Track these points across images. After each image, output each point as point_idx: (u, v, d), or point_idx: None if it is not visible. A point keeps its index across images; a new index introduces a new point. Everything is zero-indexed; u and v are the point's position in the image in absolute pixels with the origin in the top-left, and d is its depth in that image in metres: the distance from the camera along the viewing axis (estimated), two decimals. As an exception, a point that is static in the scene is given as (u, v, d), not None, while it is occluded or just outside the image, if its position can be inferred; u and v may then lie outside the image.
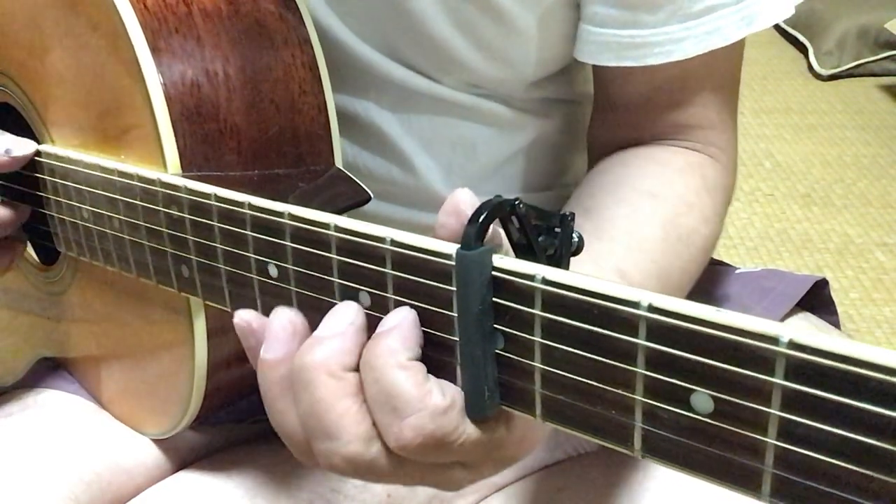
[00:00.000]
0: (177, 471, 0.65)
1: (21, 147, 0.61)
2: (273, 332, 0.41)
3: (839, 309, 0.74)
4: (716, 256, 0.71)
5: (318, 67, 0.58)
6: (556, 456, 0.66)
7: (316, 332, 0.40)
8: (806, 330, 0.28)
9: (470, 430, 0.38)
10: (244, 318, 0.43)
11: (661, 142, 0.65)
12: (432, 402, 0.37)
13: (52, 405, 0.67)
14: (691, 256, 0.60)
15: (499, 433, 0.39)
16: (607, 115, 0.68)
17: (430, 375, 0.38)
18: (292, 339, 0.40)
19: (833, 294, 0.73)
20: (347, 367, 0.39)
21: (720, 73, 0.64)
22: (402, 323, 0.38)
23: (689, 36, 0.59)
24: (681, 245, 0.59)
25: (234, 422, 0.67)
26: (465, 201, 0.38)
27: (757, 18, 0.59)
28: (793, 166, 2.36)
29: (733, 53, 0.61)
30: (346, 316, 0.40)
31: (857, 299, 1.79)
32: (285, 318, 0.41)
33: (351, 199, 0.56)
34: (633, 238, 0.58)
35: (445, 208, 0.39)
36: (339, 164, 0.59)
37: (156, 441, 0.64)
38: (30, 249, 0.71)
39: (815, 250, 1.96)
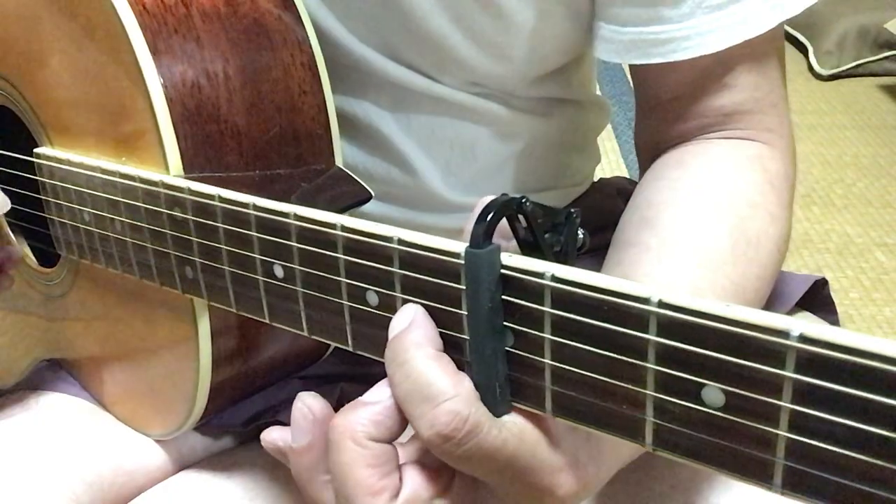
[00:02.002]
0: (178, 472, 0.65)
1: None
2: (295, 420, 0.41)
3: (839, 309, 0.74)
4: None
5: (317, 67, 0.58)
6: None
7: (360, 397, 0.40)
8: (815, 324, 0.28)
9: (493, 432, 0.37)
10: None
11: (713, 134, 0.63)
12: (465, 388, 0.37)
13: (54, 407, 0.67)
14: (764, 260, 0.57)
15: (510, 444, 0.37)
16: (653, 113, 0.66)
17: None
18: (314, 426, 0.40)
19: (833, 294, 0.73)
20: (375, 438, 0.39)
21: (762, 49, 0.61)
22: (416, 318, 0.38)
23: (717, 28, 0.57)
24: (751, 251, 0.56)
25: (235, 425, 0.67)
26: None
27: (787, 3, 0.57)
28: (792, 166, 2.36)
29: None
30: (388, 387, 0.40)
31: (857, 299, 1.79)
32: (303, 404, 0.41)
33: (352, 198, 0.57)
34: (702, 254, 0.55)
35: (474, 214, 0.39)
36: (339, 163, 0.59)
37: (157, 442, 0.64)
38: (29, 252, 0.71)
39: (815, 250, 1.97)
